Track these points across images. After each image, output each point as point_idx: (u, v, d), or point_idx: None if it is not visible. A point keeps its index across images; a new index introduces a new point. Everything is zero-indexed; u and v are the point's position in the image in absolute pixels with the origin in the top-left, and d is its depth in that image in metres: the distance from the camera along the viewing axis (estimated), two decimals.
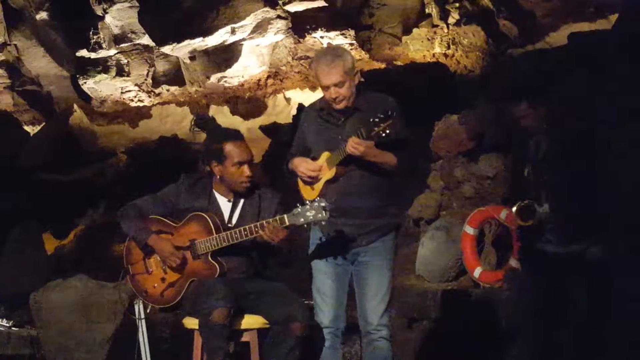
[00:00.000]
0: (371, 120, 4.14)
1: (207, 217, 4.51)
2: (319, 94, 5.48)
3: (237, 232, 4.40)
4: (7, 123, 11.53)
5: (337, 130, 4.40)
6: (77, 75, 11.77)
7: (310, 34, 10.64)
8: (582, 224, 4.32)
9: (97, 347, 6.18)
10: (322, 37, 10.58)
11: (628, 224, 4.73)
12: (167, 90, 11.99)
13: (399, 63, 10.08)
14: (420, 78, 9.00)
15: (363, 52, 10.35)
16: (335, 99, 4.37)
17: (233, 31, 10.48)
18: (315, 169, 4.43)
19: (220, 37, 10.58)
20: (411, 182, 6.89)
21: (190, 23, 10.38)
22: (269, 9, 10.32)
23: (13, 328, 6.78)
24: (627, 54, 5.44)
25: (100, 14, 11.03)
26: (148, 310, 4.91)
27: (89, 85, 11.81)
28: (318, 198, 4.22)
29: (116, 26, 11.08)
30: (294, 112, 10.61)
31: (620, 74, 5.41)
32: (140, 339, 5.14)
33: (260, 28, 10.62)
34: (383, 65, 10.21)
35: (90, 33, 11.27)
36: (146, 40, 11.11)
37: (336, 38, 10.52)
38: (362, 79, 4.60)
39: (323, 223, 4.24)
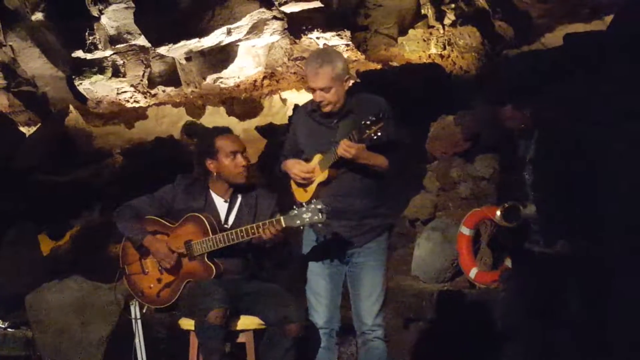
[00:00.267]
0: (363, 122, 4.14)
1: (203, 218, 4.51)
2: None
3: (234, 233, 4.40)
4: (3, 124, 11.54)
5: (329, 133, 4.40)
6: (73, 76, 11.76)
7: (306, 34, 10.63)
8: (569, 224, 4.33)
9: (93, 348, 6.17)
10: (318, 38, 10.57)
11: (626, 225, 4.76)
12: (163, 91, 11.98)
13: (394, 64, 10.08)
14: (416, 79, 8.99)
15: (359, 53, 10.35)
16: (321, 102, 4.37)
17: (229, 32, 10.48)
18: (308, 171, 4.43)
19: (216, 37, 10.57)
20: (405, 182, 6.89)
21: (186, 24, 10.37)
22: (264, 10, 10.31)
23: (8, 329, 6.77)
24: (622, 55, 5.46)
25: (96, 15, 11.01)
26: (144, 311, 4.90)
27: (84, 86, 11.80)
28: (314, 200, 4.22)
29: (112, 27, 11.06)
30: (290, 112, 10.61)
31: (615, 74, 5.43)
32: (136, 340, 5.14)
33: (256, 29, 10.61)
34: (379, 66, 10.20)
35: (86, 34, 11.26)
36: (142, 41, 11.10)
37: (332, 39, 10.51)
38: (358, 80, 4.59)
39: (320, 225, 4.25)
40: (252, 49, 11.18)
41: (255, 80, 11.70)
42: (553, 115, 4.51)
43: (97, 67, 11.65)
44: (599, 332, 4.59)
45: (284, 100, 12.20)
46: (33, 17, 11.33)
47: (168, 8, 10.35)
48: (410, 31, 9.92)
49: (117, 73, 11.74)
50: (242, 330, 4.48)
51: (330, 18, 10.40)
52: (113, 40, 11.20)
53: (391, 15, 9.97)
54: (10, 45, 11.61)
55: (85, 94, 11.91)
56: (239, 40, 10.80)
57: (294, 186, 4.56)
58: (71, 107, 12.13)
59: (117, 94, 12.01)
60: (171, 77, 11.80)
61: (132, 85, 11.90)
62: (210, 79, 11.39)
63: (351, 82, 4.46)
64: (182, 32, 10.47)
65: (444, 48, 9.75)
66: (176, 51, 10.95)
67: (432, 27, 9.85)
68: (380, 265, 4.49)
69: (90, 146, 12.17)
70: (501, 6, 9.30)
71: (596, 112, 5.25)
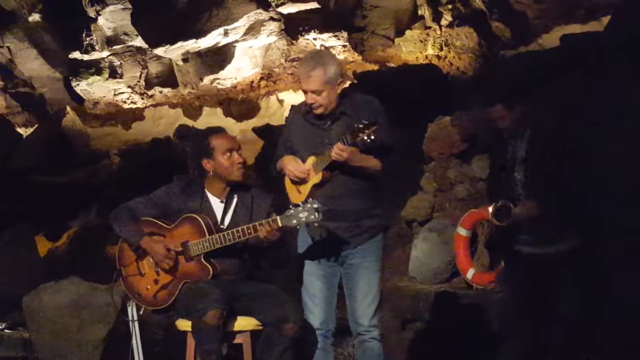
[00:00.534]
0: (356, 125, 4.14)
1: (200, 219, 4.51)
2: None
3: (230, 233, 4.40)
4: (0, 125, 11.51)
5: (323, 134, 4.41)
6: (70, 77, 11.76)
7: (303, 35, 10.64)
8: (560, 224, 4.33)
9: (90, 349, 6.16)
10: (315, 39, 10.59)
11: (622, 225, 4.76)
12: (160, 92, 11.98)
13: (391, 65, 10.09)
14: (413, 80, 9.00)
15: (356, 54, 10.37)
16: (312, 104, 4.37)
17: (226, 33, 10.49)
18: (303, 171, 4.43)
19: (213, 38, 10.58)
20: (400, 183, 6.88)
21: (183, 25, 10.38)
22: (261, 11, 10.33)
23: (5, 330, 6.75)
24: (619, 55, 5.46)
25: (93, 16, 11.02)
26: (141, 312, 4.89)
27: (81, 87, 11.81)
28: (310, 199, 4.22)
29: (109, 28, 11.08)
30: (287, 113, 10.59)
31: (612, 75, 5.44)
32: (133, 341, 5.13)
33: (253, 30, 10.63)
34: (376, 67, 10.22)
35: (83, 35, 11.27)
36: (139, 42, 11.11)
37: (329, 40, 10.53)
38: (355, 81, 4.59)
39: (315, 225, 4.25)
40: (249, 50, 11.19)
41: (252, 81, 11.71)
42: (549, 115, 4.51)
43: (94, 68, 11.66)
44: (595, 332, 4.59)
45: (281, 101, 12.20)
46: (30, 18, 11.34)
47: (165, 9, 10.36)
48: (407, 32, 9.94)
49: (114, 74, 11.75)
50: (239, 331, 4.47)
51: (327, 19, 10.42)
52: (110, 42, 11.21)
53: (388, 16, 9.99)
54: (8, 47, 11.62)
55: (82, 95, 11.92)
56: (236, 41, 10.82)
57: (288, 187, 4.56)
58: (68, 108, 12.12)
59: (114, 95, 12.02)
60: (168, 78, 11.81)
61: (129, 87, 11.91)
62: (207, 80, 11.40)
63: (346, 83, 4.45)
64: (179, 33, 10.48)
65: (441, 49, 9.77)
66: (173, 52, 10.96)
67: (429, 28, 9.86)
68: (375, 266, 4.49)
69: (88, 147, 12.15)
70: (498, 7, 9.32)
71: (593, 112, 5.26)
